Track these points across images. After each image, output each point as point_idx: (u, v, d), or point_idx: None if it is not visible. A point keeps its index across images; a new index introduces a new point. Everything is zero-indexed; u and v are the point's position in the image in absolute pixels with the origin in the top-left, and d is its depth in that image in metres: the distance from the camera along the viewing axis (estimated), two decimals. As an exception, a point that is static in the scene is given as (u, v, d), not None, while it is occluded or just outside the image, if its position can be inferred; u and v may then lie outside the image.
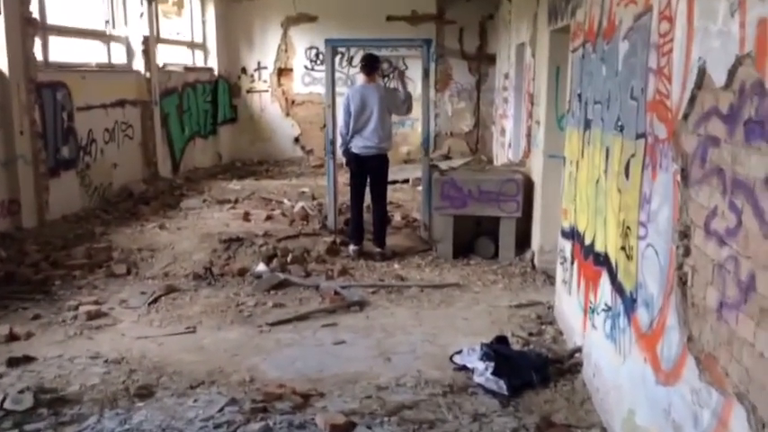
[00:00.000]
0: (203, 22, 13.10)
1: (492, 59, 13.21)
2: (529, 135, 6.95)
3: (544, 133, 6.08)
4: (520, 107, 8.41)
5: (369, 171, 6.65)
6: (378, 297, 5.68)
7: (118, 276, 6.13)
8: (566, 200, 4.92)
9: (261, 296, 5.65)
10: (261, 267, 6.16)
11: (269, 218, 8.06)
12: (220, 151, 13.54)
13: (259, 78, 14.06)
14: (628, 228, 3.20)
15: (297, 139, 14.17)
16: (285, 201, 9.33)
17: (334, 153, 7.19)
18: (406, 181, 10.53)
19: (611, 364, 3.37)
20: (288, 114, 14.11)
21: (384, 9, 13.32)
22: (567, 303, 4.66)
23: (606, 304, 3.50)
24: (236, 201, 9.31)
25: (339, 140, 6.69)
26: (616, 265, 3.40)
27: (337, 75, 13.89)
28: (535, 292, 5.84)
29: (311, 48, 13.77)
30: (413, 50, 13.59)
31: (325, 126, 14.36)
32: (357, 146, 6.58)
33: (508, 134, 9.50)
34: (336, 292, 5.63)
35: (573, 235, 4.56)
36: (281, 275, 5.97)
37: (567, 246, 4.78)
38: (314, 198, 9.44)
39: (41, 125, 7.45)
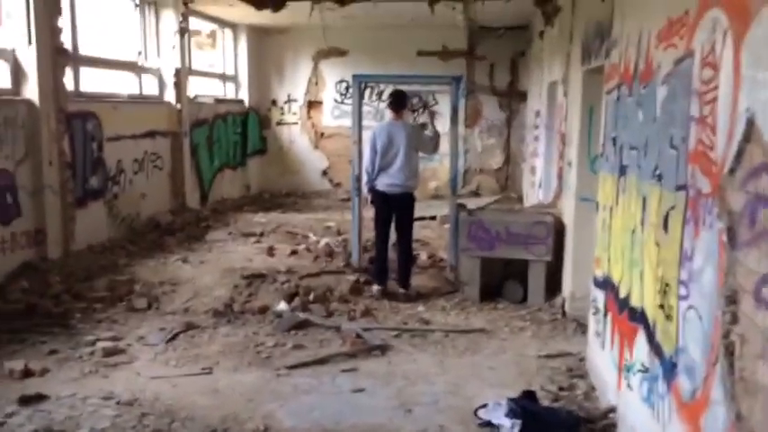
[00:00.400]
0: (235, 55, 13.24)
1: (523, 96, 13.09)
2: (561, 176, 6.77)
3: (576, 175, 5.90)
4: (551, 146, 8.23)
5: (394, 209, 6.52)
6: (400, 341, 5.49)
7: (138, 311, 6.05)
8: (598, 248, 4.71)
9: (281, 336, 5.51)
10: (282, 306, 6.03)
11: (293, 253, 7.96)
12: (249, 182, 13.57)
13: (289, 111, 14.13)
14: (666, 285, 3.00)
15: (325, 172, 14.15)
16: (311, 235, 9.23)
17: (359, 189, 7.08)
18: (434, 218, 10.36)
19: (649, 431, 3.14)
20: (317, 147, 14.13)
21: (415, 44, 13.29)
22: (601, 357, 4.43)
23: (643, 365, 3.28)
24: (262, 234, 9.23)
25: (365, 177, 6.57)
26: (654, 324, 3.19)
27: (366, 109, 13.86)
28: (566, 341, 5.60)
29: (341, 81, 13.81)
30: (443, 86, 13.62)
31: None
32: (383, 183, 6.46)
33: (539, 173, 9.31)
34: (358, 335, 5.46)
35: (606, 285, 4.35)
36: (302, 315, 5.83)
37: (599, 296, 4.56)
38: (339, 233, 9.33)
39: (71, 155, 7.48)
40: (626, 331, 3.73)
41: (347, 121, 13.87)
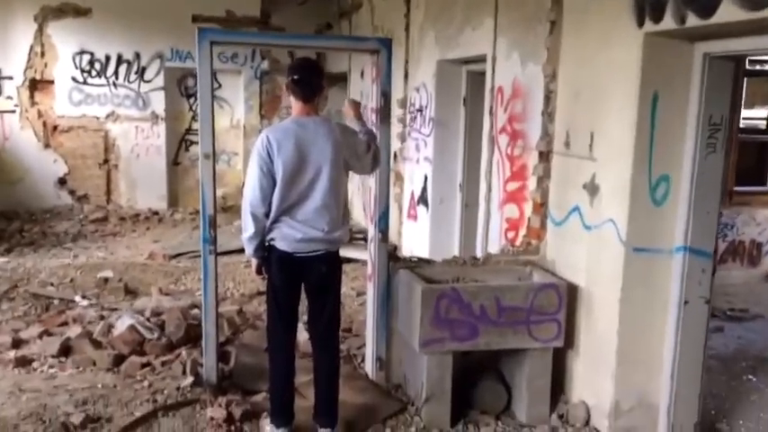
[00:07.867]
0: None
1: (337, 79, 10.46)
2: (541, 202, 4.32)
3: (628, 210, 3.49)
4: (450, 151, 5.80)
5: (309, 283, 3.43)
6: None
7: None
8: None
9: None
10: None
11: (65, 351, 4.39)
12: (-61, 202, 8.94)
13: (0, 93, 9.66)
14: None
15: (63, 181, 9.99)
16: (78, 300, 5.61)
17: (215, 244, 3.84)
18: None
19: None
20: (48, 145, 9.89)
21: (188, 6, 9.98)
22: None
23: None
24: (-12, 306, 5.36)
25: (250, 227, 3.33)
26: None
27: (124, 92, 10.10)
28: (653, 504, 3.20)
29: (83, 53, 9.84)
30: (228, 63, 10.42)
31: (106, 161, 10.50)
32: (287, 238, 3.29)
33: (416, 183, 6.84)
34: None
35: None
36: None
37: None
38: (129, 291, 5.85)
39: None
40: None
41: (95, 109, 10.00)
